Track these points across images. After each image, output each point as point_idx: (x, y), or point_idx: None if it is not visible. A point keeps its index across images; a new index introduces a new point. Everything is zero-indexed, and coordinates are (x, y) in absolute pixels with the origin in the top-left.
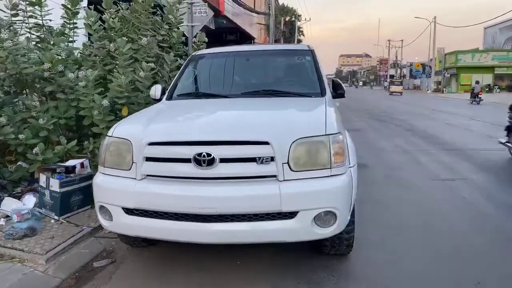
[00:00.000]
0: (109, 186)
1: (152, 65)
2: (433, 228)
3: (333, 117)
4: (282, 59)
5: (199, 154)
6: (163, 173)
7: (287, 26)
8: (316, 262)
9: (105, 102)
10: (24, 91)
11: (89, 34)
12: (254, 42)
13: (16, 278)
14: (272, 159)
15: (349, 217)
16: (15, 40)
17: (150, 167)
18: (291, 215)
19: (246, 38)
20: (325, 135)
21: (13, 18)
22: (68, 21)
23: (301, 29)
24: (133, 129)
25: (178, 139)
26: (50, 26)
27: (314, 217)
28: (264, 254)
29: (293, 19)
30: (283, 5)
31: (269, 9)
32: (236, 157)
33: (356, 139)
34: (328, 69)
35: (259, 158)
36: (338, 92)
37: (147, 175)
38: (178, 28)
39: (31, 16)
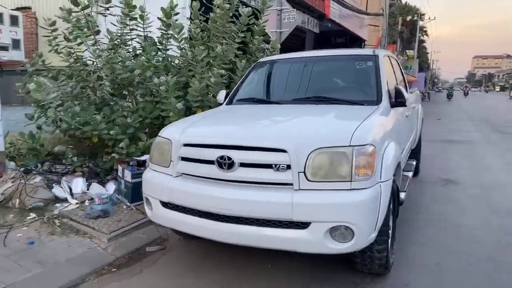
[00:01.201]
0: (151, 180)
1: (223, 71)
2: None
3: (370, 127)
4: (341, 65)
5: (221, 157)
6: (193, 172)
7: (407, 26)
8: (349, 277)
9: (179, 105)
10: (123, 94)
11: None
12: (364, 45)
13: (81, 251)
14: (289, 167)
15: (373, 235)
16: (113, 50)
17: (183, 166)
18: (303, 225)
19: (355, 40)
20: (349, 146)
21: (122, 31)
22: (164, 32)
23: (424, 29)
24: (176, 131)
25: (205, 141)
26: (151, 37)
27: (329, 230)
28: (296, 261)
29: (414, 18)
30: (405, 4)
31: (383, 10)
32: (254, 163)
33: (460, 152)
34: (457, 71)
35: (276, 165)
36: (398, 101)
37: (182, 173)
38: (262, 35)
39: (134, 29)
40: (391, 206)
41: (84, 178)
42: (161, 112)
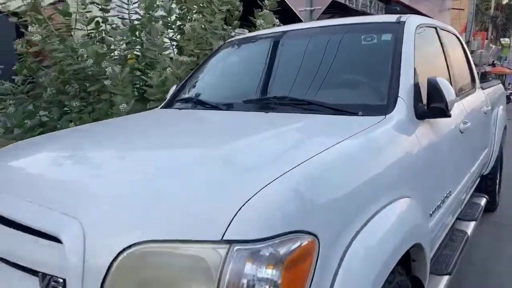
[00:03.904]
0: None
1: (185, 58)
2: None
3: (317, 183)
4: (338, 43)
5: None
6: None
7: (502, 10)
8: None
9: (124, 106)
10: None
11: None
12: None
13: None
14: (65, 283)
15: None
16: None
17: None
18: None
19: None
20: (220, 242)
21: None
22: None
23: None
24: None
25: None
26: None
27: None
28: None
29: None
30: None
31: None
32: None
33: None
34: None
35: (43, 275)
36: (433, 106)
37: None
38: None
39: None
40: None
41: None
42: (110, 113)
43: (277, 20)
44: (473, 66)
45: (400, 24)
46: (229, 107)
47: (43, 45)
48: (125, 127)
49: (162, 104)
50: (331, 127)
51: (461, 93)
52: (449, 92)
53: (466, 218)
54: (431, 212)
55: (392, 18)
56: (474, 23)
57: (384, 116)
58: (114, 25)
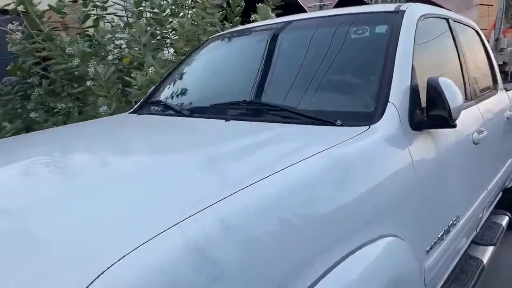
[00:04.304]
0: None
1: (170, 56)
2: None
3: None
4: (327, 36)
5: None
6: None
7: None
8: None
9: (104, 109)
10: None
11: None
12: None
13: None
14: None
15: None
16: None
17: None
18: None
19: None
20: None
21: None
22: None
23: None
24: None
25: None
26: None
27: None
28: None
29: None
30: None
31: None
32: None
33: None
34: None
35: None
36: (433, 114)
37: None
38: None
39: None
40: None
41: None
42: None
43: (273, 14)
44: (495, 65)
45: (399, 14)
46: (192, 112)
47: (24, 44)
48: (67, 138)
49: (134, 108)
50: (290, 142)
51: (478, 96)
52: (454, 95)
53: (482, 242)
54: (428, 248)
55: (390, 7)
56: (504, 19)
57: (367, 127)
58: (113, 23)
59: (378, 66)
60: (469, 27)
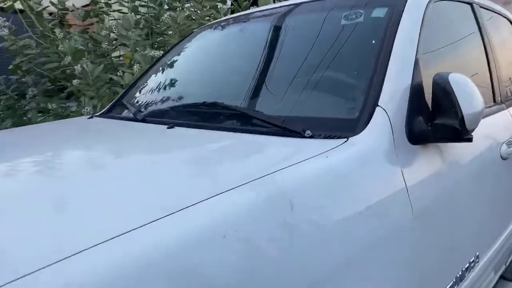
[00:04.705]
0: None
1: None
2: None
3: None
4: (313, 24)
5: None
6: None
7: None
8: None
9: (89, 109)
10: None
11: None
12: None
13: None
14: None
15: None
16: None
17: None
18: None
19: None
20: None
21: None
22: None
23: None
24: None
25: None
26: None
27: None
28: None
29: None
30: None
31: None
32: None
33: None
34: None
35: None
36: (439, 123)
37: None
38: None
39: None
40: None
41: None
42: None
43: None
44: None
45: None
46: (146, 116)
47: (13, 41)
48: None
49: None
50: (221, 165)
51: (510, 99)
52: (470, 98)
53: None
54: None
55: None
56: None
57: (345, 139)
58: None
59: (367, 59)
60: (503, 16)
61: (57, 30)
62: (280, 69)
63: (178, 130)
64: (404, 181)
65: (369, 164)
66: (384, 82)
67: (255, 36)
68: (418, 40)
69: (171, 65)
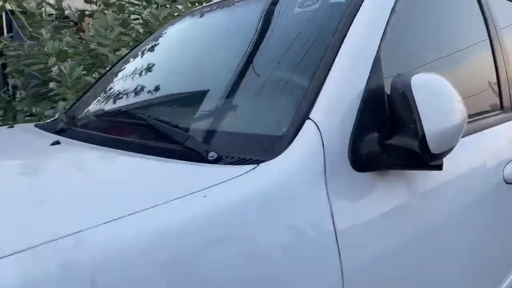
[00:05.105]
0: None
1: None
2: None
3: None
4: (262, 15)
5: None
6: None
7: None
8: None
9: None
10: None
11: None
12: None
13: None
14: None
15: None
16: None
17: None
18: None
19: None
20: None
21: None
22: None
23: None
24: None
25: None
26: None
27: None
28: None
29: None
30: None
31: None
32: None
33: None
34: None
35: None
36: (390, 144)
37: None
38: None
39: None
40: None
41: None
42: None
43: None
44: None
45: None
46: (62, 128)
47: None
48: None
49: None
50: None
51: None
52: (441, 109)
53: None
54: None
55: None
56: None
57: (254, 166)
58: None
59: (308, 56)
60: None
61: (43, 31)
62: (201, 71)
63: (62, 146)
64: (335, 234)
65: (274, 206)
66: (323, 86)
67: (191, 33)
68: (384, 31)
69: (118, 70)
